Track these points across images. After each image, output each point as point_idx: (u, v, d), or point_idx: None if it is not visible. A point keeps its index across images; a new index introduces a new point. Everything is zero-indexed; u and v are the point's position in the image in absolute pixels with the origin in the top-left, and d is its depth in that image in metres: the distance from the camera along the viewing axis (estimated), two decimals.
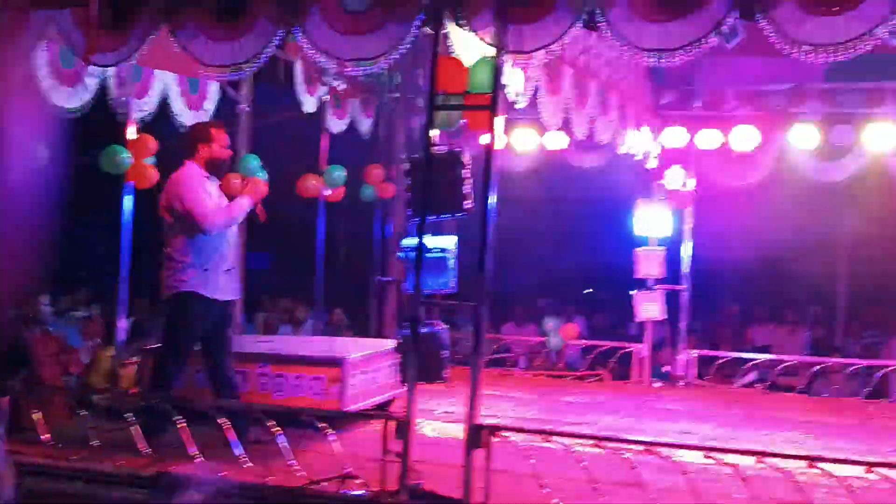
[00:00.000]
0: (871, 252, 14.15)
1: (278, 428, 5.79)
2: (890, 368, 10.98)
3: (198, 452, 5.84)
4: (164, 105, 8.71)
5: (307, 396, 7.33)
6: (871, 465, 5.11)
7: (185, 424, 5.92)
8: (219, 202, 6.47)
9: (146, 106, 8.54)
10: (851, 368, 11.03)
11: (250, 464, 5.79)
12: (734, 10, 5.07)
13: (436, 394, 8.96)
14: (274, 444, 5.76)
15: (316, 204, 10.69)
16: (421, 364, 5.58)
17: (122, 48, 6.34)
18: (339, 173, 10.35)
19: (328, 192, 10.56)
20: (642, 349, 11.18)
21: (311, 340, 9.06)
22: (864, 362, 11.29)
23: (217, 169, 6.60)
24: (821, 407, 9.60)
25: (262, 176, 9.66)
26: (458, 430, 5.98)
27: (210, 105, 9.01)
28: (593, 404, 9.43)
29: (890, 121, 10.16)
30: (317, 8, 5.78)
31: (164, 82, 8.67)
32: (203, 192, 6.38)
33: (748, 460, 5.44)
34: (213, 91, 9.08)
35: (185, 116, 8.77)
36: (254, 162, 9.62)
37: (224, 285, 6.54)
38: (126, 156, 8.18)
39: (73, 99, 7.60)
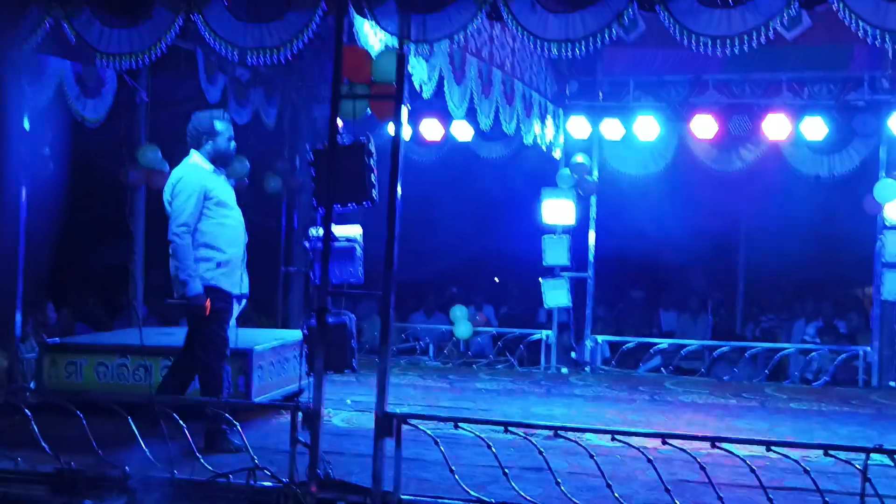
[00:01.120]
0: (768, 239, 14.59)
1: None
2: (787, 351, 11.35)
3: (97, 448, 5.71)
4: (60, 93, 8.46)
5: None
6: (770, 444, 5.26)
7: (84, 420, 5.79)
8: (223, 199, 6.34)
9: (41, 94, 8.27)
10: (751, 352, 11.36)
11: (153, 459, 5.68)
12: (634, 2, 5.14)
13: (345, 384, 8.94)
14: (184, 437, 5.67)
15: None
16: (329, 354, 5.55)
17: (15, 34, 6.13)
18: (243, 164, 10.22)
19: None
20: (550, 336, 11.33)
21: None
22: (763, 345, 11.64)
23: (223, 161, 6.45)
24: (722, 390, 9.85)
25: (163, 168, 9.52)
26: (368, 420, 5.97)
27: (108, 94, 8.77)
28: (503, 391, 9.52)
29: (786, 111, 10.45)
30: None
31: (61, 70, 8.42)
32: (196, 201, 6.20)
33: (654, 442, 5.55)
34: (111, 80, 8.85)
35: (82, 105, 8.53)
36: (153, 154, 9.45)
37: (240, 279, 6.41)
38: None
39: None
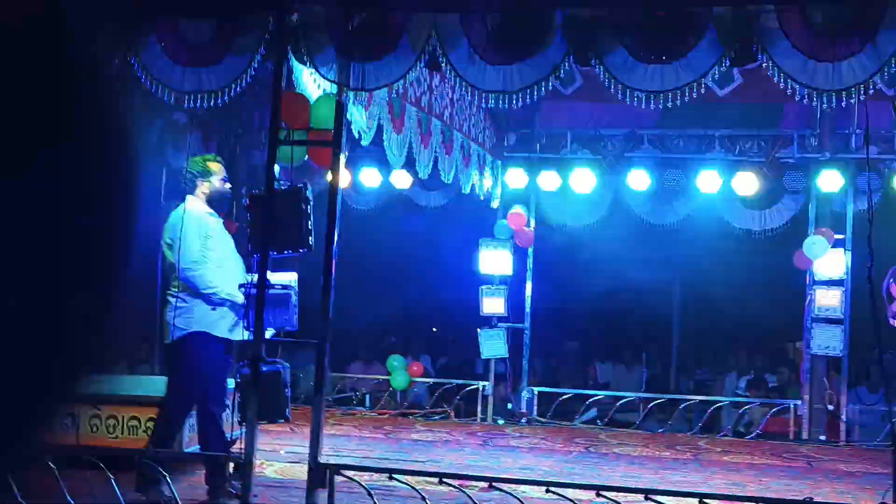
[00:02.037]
0: (702, 292, 14.78)
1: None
2: (719, 404, 11.46)
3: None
4: None
5: (143, 437, 7.08)
6: (703, 496, 5.29)
7: None
8: (220, 242, 6.20)
9: None
10: (684, 405, 11.45)
11: None
12: (570, 56, 5.23)
13: (279, 434, 8.81)
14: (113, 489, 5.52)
15: (155, 239, 10.39)
16: (262, 403, 5.47)
17: None
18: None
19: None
20: (487, 387, 11.30)
21: (148, 380, 8.76)
22: (697, 398, 11.75)
23: (219, 203, 6.32)
24: (656, 442, 9.90)
25: None
26: (302, 472, 5.88)
27: None
28: (438, 442, 9.45)
29: (718, 166, 10.67)
30: (154, 38, 5.64)
31: None
32: (199, 240, 6.04)
33: (588, 494, 5.54)
34: None
35: None
36: None
37: (234, 324, 6.19)
38: None
39: None
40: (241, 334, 6.10)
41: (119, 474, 5.59)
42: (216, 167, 6.31)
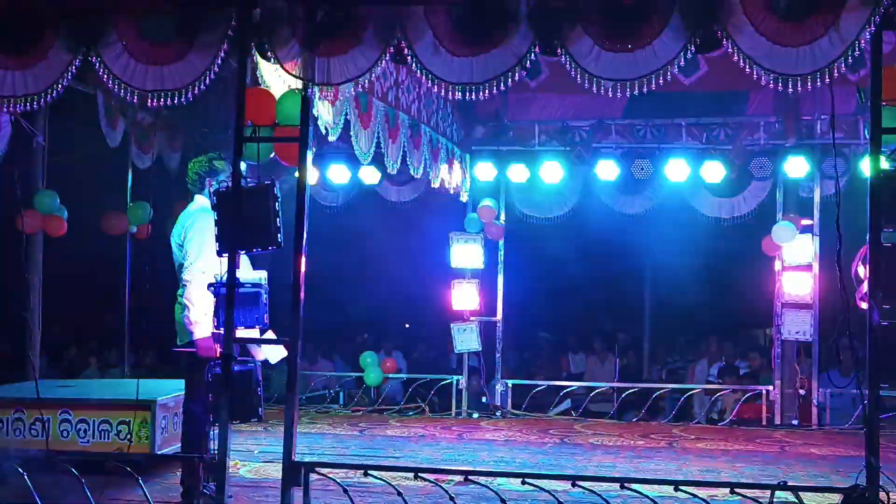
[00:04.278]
0: (672, 281, 14.86)
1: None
2: (692, 392, 11.52)
3: None
4: None
5: (115, 441, 7.03)
6: (678, 483, 5.30)
7: None
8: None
9: None
10: (657, 393, 11.50)
11: None
12: (536, 46, 5.21)
13: (252, 434, 8.76)
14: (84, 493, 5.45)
15: (122, 241, 10.31)
16: (234, 402, 5.42)
17: None
18: (145, 209, 10.01)
19: (134, 230, 10.22)
20: (460, 381, 11.29)
21: (118, 383, 8.68)
22: (669, 387, 11.80)
23: None
24: (630, 431, 9.93)
25: (62, 214, 9.25)
26: (276, 471, 5.84)
27: (3, 139, 8.49)
28: (413, 437, 9.44)
29: (686, 154, 10.71)
30: (115, 37, 5.56)
31: None
32: (210, 239, 5.95)
33: (565, 485, 5.54)
34: (5, 124, 8.58)
35: None
36: (51, 200, 9.18)
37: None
38: None
39: None
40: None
41: (88, 478, 5.51)
42: (222, 165, 6.28)
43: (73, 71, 5.69)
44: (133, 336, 10.58)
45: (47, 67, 5.68)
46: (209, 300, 5.83)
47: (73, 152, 10.11)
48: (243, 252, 5.64)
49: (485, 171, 11.19)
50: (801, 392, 10.63)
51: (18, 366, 10.96)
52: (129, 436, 7.01)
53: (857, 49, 4.97)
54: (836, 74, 5.03)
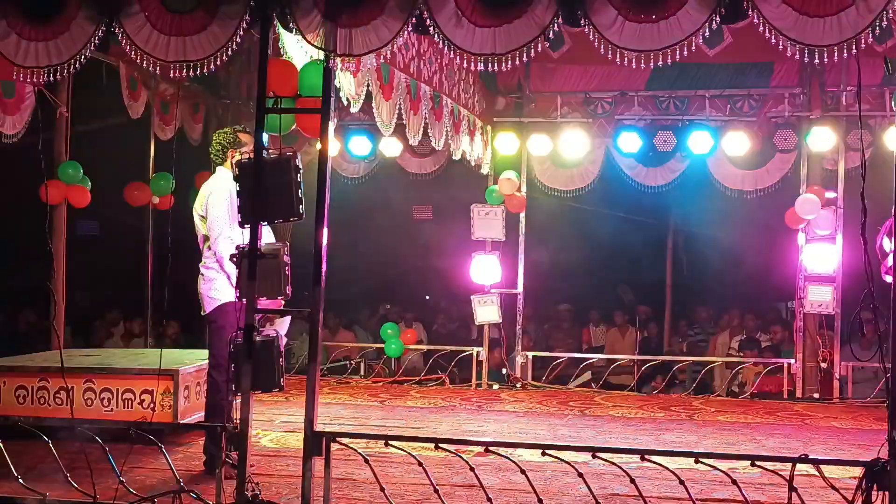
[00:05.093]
0: (695, 253, 14.80)
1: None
2: (713, 365, 11.50)
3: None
4: None
5: (138, 410, 7.11)
6: (698, 456, 5.30)
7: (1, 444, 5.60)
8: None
9: None
10: (678, 366, 11.48)
11: (75, 484, 5.51)
12: (559, 16, 5.16)
13: (274, 403, 8.82)
14: (107, 461, 5.51)
15: (145, 212, 10.37)
16: (256, 373, 5.44)
17: None
18: (168, 181, 10.05)
19: (156, 201, 10.27)
20: (480, 353, 11.31)
21: (141, 353, 8.76)
22: (690, 359, 11.78)
23: None
24: (651, 404, 9.93)
25: (85, 184, 9.30)
26: (297, 440, 5.88)
27: (27, 110, 8.52)
28: (434, 409, 9.48)
29: (709, 126, 10.63)
30: (137, 7, 5.55)
31: None
32: (230, 208, 6.04)
33: (585, 456, 5.55)
34: (29, 95, 8.62)
35: (1, 122, 8.29)
36: (74, 170, 9.22)
37: None
38: None
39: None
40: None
41: (112, 447, 5.57)
42: (247, 137, 6.33)
43: (96, 42, 5.68)
44: (156, 306, 10.66)
45: (70, 38, 5.68)
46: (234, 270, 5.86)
47: (96, 124, 10.15)
48: (265, 223, 5.64)
49: (506, 142, 11.14)
50: (823, 365, 10.59)
51: (44, 336, 11.09)
52: (152, 405, 7.09)
53: (884, 19, 4.90)
54: (862, 45, 4.96)
